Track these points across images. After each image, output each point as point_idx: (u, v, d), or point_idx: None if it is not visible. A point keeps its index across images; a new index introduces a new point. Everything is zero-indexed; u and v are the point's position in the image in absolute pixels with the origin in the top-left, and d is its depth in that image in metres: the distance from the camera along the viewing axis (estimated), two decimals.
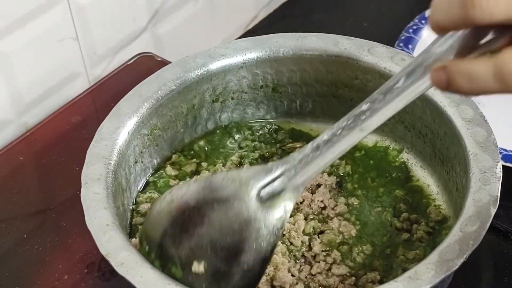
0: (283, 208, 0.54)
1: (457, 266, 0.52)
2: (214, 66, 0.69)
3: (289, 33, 0.71)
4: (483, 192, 0.56)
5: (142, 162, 0.67)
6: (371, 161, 0.70)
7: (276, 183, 0.54)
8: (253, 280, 0.55)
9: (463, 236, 0.53)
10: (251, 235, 0.53)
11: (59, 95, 0.88)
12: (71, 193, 0.73)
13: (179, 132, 0.70)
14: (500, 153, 0.63)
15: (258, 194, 0.54)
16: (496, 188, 0.57)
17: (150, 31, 0.95)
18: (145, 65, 0.88)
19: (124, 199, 0.62)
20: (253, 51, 0.70)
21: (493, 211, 0.55)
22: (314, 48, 0.70)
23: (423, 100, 0.65)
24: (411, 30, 0.90)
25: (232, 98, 0.72)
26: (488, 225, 0.54)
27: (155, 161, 0.69)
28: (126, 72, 0.89)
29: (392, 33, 0.86)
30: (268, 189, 0.54)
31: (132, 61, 0.90)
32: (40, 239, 0.71)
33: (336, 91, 0.72)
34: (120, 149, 0.62)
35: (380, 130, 0.69)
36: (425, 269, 0.52)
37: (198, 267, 0.54)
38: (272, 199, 0.54)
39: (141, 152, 0.66)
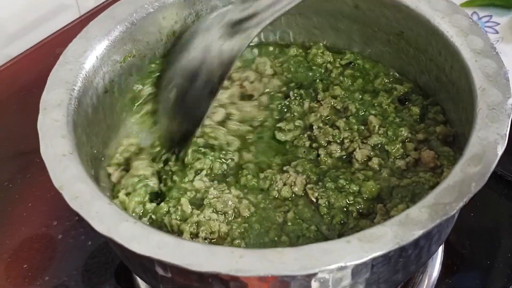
0: (239, 42, 0.56)
1: (455, 211, 0.46)
2: None
3: None
4: (489, 129, 0.50)
5: (113, 92, 0.60)
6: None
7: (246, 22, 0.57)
8: (200, 111, 0.58)
9: (464, 177, 0.47)
10: (206, 61, 0.58)
11: (46, 27, 0.83)
12: None
13: (157, 63, 0.64)
14: None
15: (226, 26, 0.58)
16: (505, 125, 0.50)
17: None
18: None
19: (90, 131, 0.56)
20: None
21: (500, 150, 0.49)
22: None
23: (428, 30, 0.59)
24: None
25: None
26: (493, 166, 0.48)
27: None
28: None
29: None
30: (237, 25, 0.57)
31: None
32: (11, 176, 0.68)
33: (335, 23, 0.65)
34: (86, 75, 0.56)
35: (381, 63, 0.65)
36: (418, 212, 0.46)
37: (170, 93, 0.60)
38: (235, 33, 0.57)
39: (112, 81, 0.60)
